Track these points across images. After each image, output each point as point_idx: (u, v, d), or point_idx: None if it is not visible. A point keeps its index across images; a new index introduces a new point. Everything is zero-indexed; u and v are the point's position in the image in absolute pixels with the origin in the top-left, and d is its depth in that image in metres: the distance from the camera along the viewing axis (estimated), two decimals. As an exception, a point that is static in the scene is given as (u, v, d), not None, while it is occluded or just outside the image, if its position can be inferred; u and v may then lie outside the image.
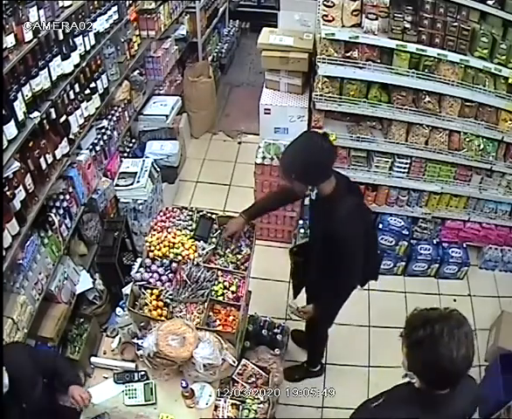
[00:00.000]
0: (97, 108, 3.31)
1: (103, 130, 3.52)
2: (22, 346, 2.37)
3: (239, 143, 5.16)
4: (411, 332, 1.45)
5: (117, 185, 3.67)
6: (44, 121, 2.72)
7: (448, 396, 1.49)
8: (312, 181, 2.17)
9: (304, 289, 2.79)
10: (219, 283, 2.36)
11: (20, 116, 2.46)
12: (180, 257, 2.43)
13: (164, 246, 2.47)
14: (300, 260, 2.71)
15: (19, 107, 2.44)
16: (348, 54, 3.04)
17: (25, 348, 2.30)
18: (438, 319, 1.42)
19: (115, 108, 3.78)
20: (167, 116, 4.33)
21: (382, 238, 3.71)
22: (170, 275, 2.37)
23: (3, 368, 1.77)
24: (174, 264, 2.40)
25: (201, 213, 2.67)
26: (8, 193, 2.38)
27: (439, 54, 2.92)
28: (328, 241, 2.17)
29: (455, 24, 2.84)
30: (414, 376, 1.48)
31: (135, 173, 3.73)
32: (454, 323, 1.41)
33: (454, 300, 3.75)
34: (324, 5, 2.95)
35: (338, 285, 2.38)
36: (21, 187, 2.47)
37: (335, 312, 2.72)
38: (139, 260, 2.50)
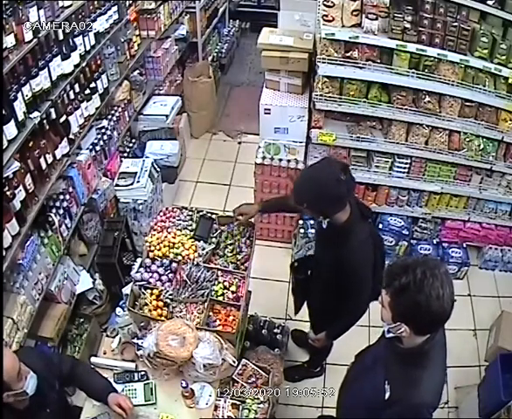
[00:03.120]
0: (97, 108, 3.31)
1: (103, 130, 3.52)
2: (36, 350, 2.37)
3: (239, 143, 5.16)
4: (392, 280, 1.46)
5: (117, 185, 3.67)
6: (44, 121, 2.72)
7: (433, 341, 1.55)
8: (324, 213, 2.08)
9: (306, 306, 2.74)
10: (219, 283, 2.35)
11: (20, 116, 2.46)
12: (180, 257, 2.43)
13: (164, 246, 2.47)
14: (301, 277, 2.65)
15: (19, 107, 2.44)
16: (348, 54, 3.04)
17: (40, 353, 2.30)
18: (417, 263, 1.45)
19: (115, 108, 3.78)
20: (167, 116, 4.33)
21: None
22: (170, 275, 2.37)
23: (30, 372, 1.76)
24: (174, 264, 2.40)
25: (201, 213, 2.67)
26: (8, 193, 2.38)
27: (439, 54, 2.92)
28: (339, 269, 2.10)
29: (455, 24, 2.84)
30: (402, 326, 1.50)
31: (135, 173, 3.73)
32: (433, 265, 1.45)
33: (454, 300, 3.75)
34: (324, 5, 2.95)
35: (349, 312, 2.30)
36: (21, 187, 2.47)
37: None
38: (139, 260, 2.50)
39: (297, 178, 2.17)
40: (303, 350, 3.30)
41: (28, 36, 2.44)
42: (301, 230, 3.75)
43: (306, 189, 2.02)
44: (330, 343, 2.94)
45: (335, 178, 1.92)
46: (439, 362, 1.62)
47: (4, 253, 2.39)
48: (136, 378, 2.22)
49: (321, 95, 3.20)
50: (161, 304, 2.27)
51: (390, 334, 1.58)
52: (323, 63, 3.05)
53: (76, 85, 3.06)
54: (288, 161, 3.57)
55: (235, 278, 2.40)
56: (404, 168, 3.48)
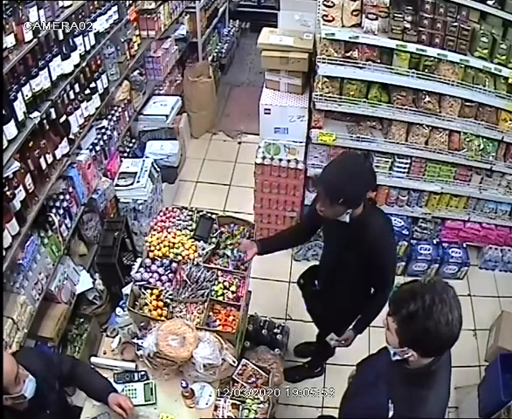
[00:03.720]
0: (97, 108, 3.31)
1: (103, 130, 3.52)
2: (36, 350, 2.37)
3: (239, 143, 5.16)
4: (400, 308, 1.44)
5: (117, 185, 3.67)
6: (45, 121, 2.72)
7: (439, 362, 1.53)
8: (358, 202, 2.07)
9: (321, 318, 2.74)
10: (219, 283, 2.35)
11: (20, 116, 2.46)
12: (180, 257, 2.43)
13: (164, 246, 2.47)
14: (314, 290, 2.64)
15: (19, 107, 2.45)
16: (348, 54, 3.03)
17: (40, 353, 2.30)
18: (425, 289, 1.42)
19: (115, 108, 3.79)
20: (167, 116, 4.33)
21: (382, 238, 3.71)
22: (170, 275, 2.37)
23: (29, 376, 1.75)
24: (174, 264, 2.40)
25: (201, 213, 2.67)
26: (8, 193, 2.38)
27: (439, 54, 2.91)
28: (370, 259, 2.12)
29: (455, 24, 2.84)
30: (410, 351, 1.48)
31: (135, 173, 3.73)
32: (441, 289, 1.43)
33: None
34: (324, 5, 2.94)
35: (384, 296, 2.24)
36: (21, 187, 2.47)
37: None
38: (139, 260, 2.50)
39: (325, 178, 2.07)
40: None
41: (28, 36, 2.45)
42: (301, 230, 3.75)
43: (343, 183, 1.97)
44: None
45: (364, 165, 2.00)
46: (444, 381, 1.61)
47: (4, 253, 2.39)
48: (136, 378, 2.22)
49: (321, 95, 3.20)
50: (161, 304, 2.27)
51: (397, 357, 1.55)
52: (323, 63, 3.05)
53: (76, 85, 3.06)
54: (288, 161, 3.57)
55: (235, 278, 2.40)
56: (404, 168, 3.48)
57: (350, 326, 2.47)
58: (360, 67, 3.03)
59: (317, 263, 2.76)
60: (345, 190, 1.97)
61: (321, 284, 2.65)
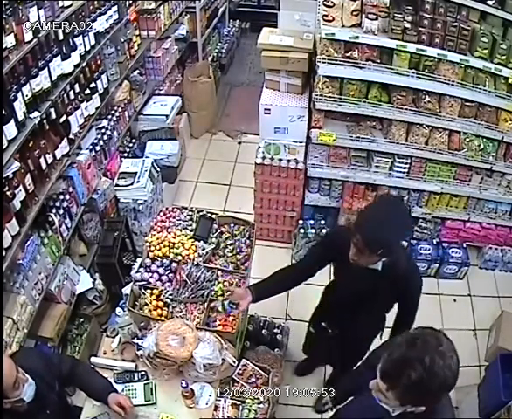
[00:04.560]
0: (97, 108, 3.31)
1: (103, 130, 3.52)
2: (35, 350, 2.36)
3: (239, 143, 5.16)
4: (398, 379, 1.34)
5: (117, 185, 3.67)
6: (45, 121, 2.72)
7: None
8: (396, 251, 1.94)
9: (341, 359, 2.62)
10: (219, 283, 2.35)
11: (20, 116, 2.46)
12: (180, 257, 2.43)
13: (164, 246, 2.47)
14: (328, 336, 2.50)
15: (19, 107, 2.44)
16: (348, 54, 3.03)
17: (40, 353, 2.29)
18: (418, 351, 1.32)
19: (115, 108, 3.79)
20: (167, 116, 4.33)
21: (382, 238, 3.71)
22: (170, 275, 2.37)
23: (28, 380, 1.75)
24: (174, 264, 2.40)
25: (201, 213, 2.67)
26: (8, 193, 2.38)
27: (439, 54, 2.91)
28: (399, 294, 2.09)
29: (455, 24, 2.84)
30: (413, 407, 1.40)
31: (135, 173, 3.73)
32: (435, 342, 1.34)
33: (454, 300, 3.75)
34: (324, 5, 2.95)
35: (413, 320, 2.20)
36: (21, 187, 2.47)
37: None
38: (139, 260, 2.50)
39: (366, 226, 1.87)
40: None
41: (28, 36, 2.44)
42: (301, 230, 3.75)
43: (386, 233, 1.83)
44: None
45: (405, 208, 1.96)
46: (448, 402, 1.54)
47: (4, 253, 2.39)
48: (136, 378, 2.22)
49: (321, 95, 3.20)
50: (161, 304, 2.27)
51: (397, 412, 1.46)
52: (323, 63, 3.05)
53: (76, 85, 3.06)
54: (288, 161, 3.57)
55: (235, 278, 2.40)
56: (404, 168, 3.48)
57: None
58: (360, 67, 3.03)
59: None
60: (388, 242, 1.85)
61: (337, 326, 2.45)
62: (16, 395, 1.69)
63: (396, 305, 2.22)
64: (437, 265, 3.79)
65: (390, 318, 2.29)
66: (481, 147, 3.30)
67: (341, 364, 2.73)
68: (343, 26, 2.98)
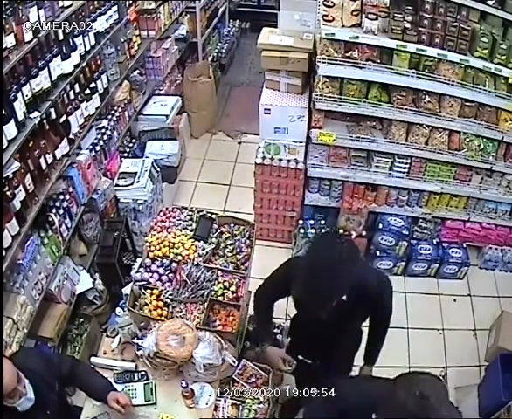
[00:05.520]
0: (97, 108, 3.31)
1: (103, 130, 3.52)
2: (36, 351, 2.35)
3: (239, 143, 5.16)
4: None
5: (117, 185, 3.67)
6: (45, 121, 2.72)
7: None
8: (357, 274, 1.88)
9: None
10: (219, 283, 2.35)
11: (20, 116, 2.46)
12: (180, 257, 2.43)
13: (164, 246, 2.47)
14: (308, 367, 2.50)
15: (19, 107, 2.44)
16: (348, 54, 3.03)
17: (40, 353, 2.29)
18: (414, 405, 1.31)
19: (115, 108, 3.78)
20: (167, 116, 4.33)
21: (382, 238, 3.71)
22: (170, 275, 2.37)
23: (27, 382, 1.75)
24: (174, 264, 2.40)
25: (201, 213, 2.67)
26: (8, 193, 2.38)
27: (439, 54, 2.91)
28: (372, 309, 2.12)
29: (455, 24, 2.84)
30: None
31: (135, 173, 3.73)
32: (430, 386, 1.33)
33: (454, 300, 3.75)
34: (324, 5, 2.94)
35: (388, 325, 2.26)
36: (21, 187, 2.47)
37: None
38: (139, 260, 2.50)
39: (317, 289, 1.78)
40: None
41: (28, 36, 2.44)
42: (301, 230, 3.75)
43: (340, 284, 1.80)
44: None
45: (342, 243, 1.82)
46: None
47: (4, 253, 2.39)
48: (136, 378, 2.23)
49: (321, 95, 3.20)
50: (161, 304, 2.27)
51: None
52: (323, 63, 3.05)
53: (76, 85, 3.06)
54: (288, 161, 3.57)
55: (235, 278, 2.40)
56: (404, 168, 3.48)
57: (362, 364, 2.38)
58: (360, 67, 3.03)
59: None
60: (345, 287, 1.82)
61: (314, 356, 2.48)
62: (9, 403, 1.69)
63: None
64: (437, 265, 3.79)
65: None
66: (481, 147, 3.30)
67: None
68: (343, 26, 2.98)
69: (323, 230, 2.11)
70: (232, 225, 2.64)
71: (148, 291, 2.32)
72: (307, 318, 2.21)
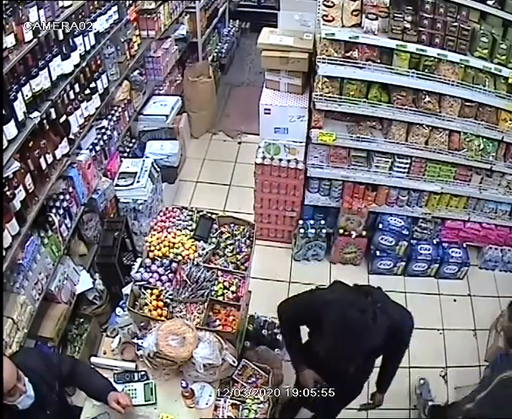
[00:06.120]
0: (97, 108, 3.31)
1: (103, 130, 3.52)
2: (36, 351, 2.35)
3: (239, 143, 5.16)
4: None
5: (117, 185, 3.67)
6: (45, 121, 2.72)
7: None
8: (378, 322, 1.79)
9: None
10: (219, 283, 2.35)
11: (20, 116, 2.46)
12: (180, 257, 2.42)
13: (164, 246, 2.47)
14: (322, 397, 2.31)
15: (19, 107, 2.44)
16: (348, 54, 3.03)
17: (40, 353, 2.29)
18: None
19: (115, 108, 3.79)
20: (167, 116, 4.33)
21: (382, 238, 3.71)
22: (170, 275, 2.37)
23: (26, 380, 1.75)
24: (174, 264, 2.40)
25: (201, 213, 2.67)
26: (8, 193, 2.38)
27: (439, 54, 2.91)
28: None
29: (455, 24, 2.84)
30: None
31: (135, 173, 3.74)
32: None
33: (454, 300, 3.75)
34: (324, 5, 2.95)
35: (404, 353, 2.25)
36: (21, 187, 2.47)
37: None
38: (139, 260, 2.50)
39: (344, 351, 1.76)
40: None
41: (28, 36, 2.44)
42: (301, 230, 3.75)
43: (373, 341, 1.76)
44: None
45: (363, 306, 1.74)
46: None
47: (4, 253, 2.39)
48: (136, 378, 2.22)
49: (321, 95, 3.20)
50: (161, 304, 2.27)
51: None
52: (323, 63, 3.05)
53: (76, 85, 3.06)
54: (288, 161, 3.57)
55: (235, 278, 2.40)
56: (404, 168, 3.48)
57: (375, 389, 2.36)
58: (360, 67, 3.03)
59: (312, 285, 2.49)
60: (379, 341, 1.78)
61: (326, 380, 2.31)
62: (9, 401, 1.69)
63: None
64: (437, 265, 3.79)
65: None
66: (481, 147, 3.30)
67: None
68: (343, 26, 2.98)
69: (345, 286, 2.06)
70: (232, 225, 2.64)
71: (148, 291, 2.32)
72: (320, 348, 2.02)
